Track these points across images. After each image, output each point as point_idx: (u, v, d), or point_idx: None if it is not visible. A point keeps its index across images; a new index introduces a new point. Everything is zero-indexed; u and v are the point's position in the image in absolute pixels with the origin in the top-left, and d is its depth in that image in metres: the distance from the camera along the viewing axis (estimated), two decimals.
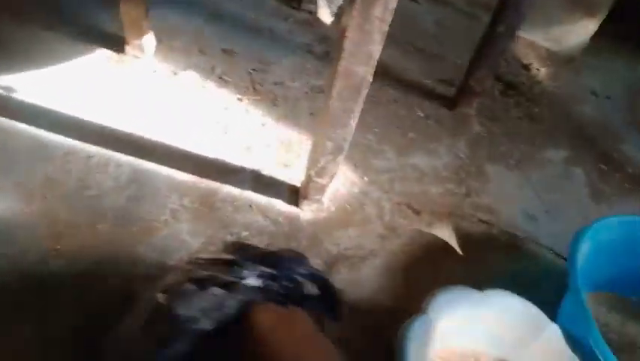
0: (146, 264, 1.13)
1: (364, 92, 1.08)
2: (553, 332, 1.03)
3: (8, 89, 1.38)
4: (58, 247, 1.11)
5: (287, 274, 0.81)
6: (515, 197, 1.56)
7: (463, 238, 1.40)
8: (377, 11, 0.90)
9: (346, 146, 1.19)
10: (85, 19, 1.64)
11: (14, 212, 1.14)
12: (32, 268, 1.06)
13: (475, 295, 1.03)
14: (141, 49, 1.61)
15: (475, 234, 1.43)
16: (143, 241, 1.17)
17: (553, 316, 1.08)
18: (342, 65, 1.02)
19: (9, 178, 1.20)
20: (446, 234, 1.40)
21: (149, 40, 1.63)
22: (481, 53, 1.68)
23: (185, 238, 1.21)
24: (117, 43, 1.59)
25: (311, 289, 0.84)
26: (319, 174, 1.26)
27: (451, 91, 1.87)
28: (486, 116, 1.84)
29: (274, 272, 0.80)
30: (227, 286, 0.76)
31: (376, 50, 0.99)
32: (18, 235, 1.10)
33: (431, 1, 2.28)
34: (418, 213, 1.44)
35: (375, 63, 1.02)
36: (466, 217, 1.46)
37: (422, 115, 1.77)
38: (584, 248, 1.09)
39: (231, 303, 0.74)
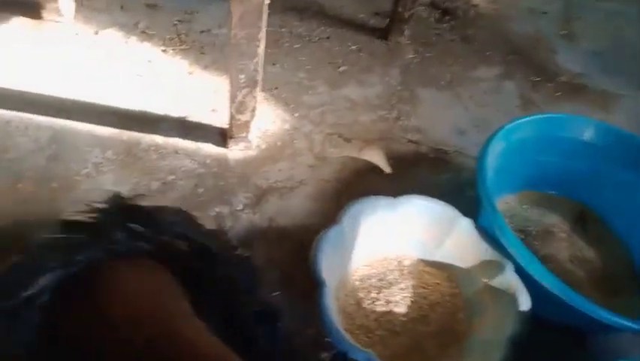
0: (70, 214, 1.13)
1: (265, 15, 1.06)
2: (465, 225, 1.05)
3: None
4: None
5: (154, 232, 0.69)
6: (445, 116, 1.57)
7: (392, 158, 1.42)
8: None
9: (259, 77, 1.19)
10: None
11: None
12: None
13: (387, 201, 1.05)
14: (59, 12, 1.57)
15: (404, 153, 1.44)
16: (65, 196, 1.17)
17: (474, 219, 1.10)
18: None
19: None
20: (376, 157, 1.41)
21: (67, 2, 1.58)
22: None
23: (110, 188, 1.21)
24: (33, 10, 1.54)
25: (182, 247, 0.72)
26: (239, 110, 1.25)
27: (384, 23, 1.85)
28: (419, 42, 1.82)
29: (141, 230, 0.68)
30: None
31: None
32: None
33: None
34: (348, 141, 1.45)
35: None
36: (395, 139, 1.47)
37: (354, 48, 1.75)
38: (497, 149, 1.11)
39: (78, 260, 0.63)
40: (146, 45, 1.58)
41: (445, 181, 1.37)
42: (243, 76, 1.17)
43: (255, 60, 1.13)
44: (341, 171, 1.37)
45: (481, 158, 1.08)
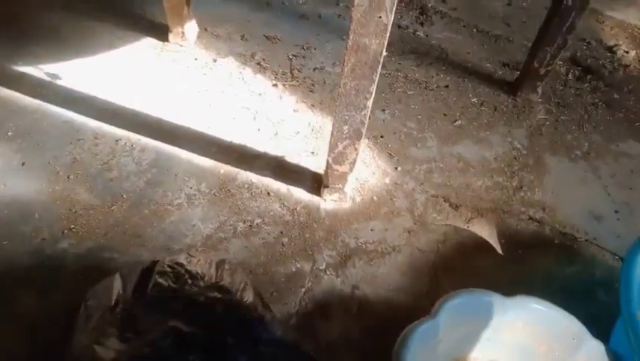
0: (152, 247, 1.11)
1: (378, 68, 0.96)
2: (593, 348, 0.83)
3: (54, 76, 1.45)
4: (73, 227, 1.13)
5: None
6: (577, 194, 1.33)
7: (506, 237, 1.22)
8: None
9: (364, 130, 1.08)
10: (134, 9, 1.68)
11: (38, 191, 1.18)
12: (43, 246, 1.09)
13: (498, 301, 0.87)
14: (183, 37, 1.62)
15: (522, 233, 1.23)
16: (154, 224, 1.16)
17: (605, 334, 0.88)
18: (353, 38, 0.92)
19: (40, 158, 1.25)
20: (487, 232, 1.22)
21: (191, 28, 1.63)
22: (546, 31, 1.46)
23: (196, 223, 1.17)
24: (162, 33, 1.61)
25: None
26: (337, 161, 1.16)
27: (513, 75, 1.66)
28: (554, 102, 1.60)
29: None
30: None
31: (388, 17, 0.88)
32: (36, 213, 1.14)
33: None
34: (456, 207, 1.28)
35: (388, 34, 0.90)
36: (513, 214, 1.27)
37: (475, 101, 1.59)
38: None
39: None
40: (259, 77, 1.56)
41: (572, 276, 1.14)
42: (346, 127, 1.07)
43: (362, 113, 1.03)
44: (442, 243, 1.20)
45: (628, 261, 0.86)
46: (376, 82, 0.97)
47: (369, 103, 1.01)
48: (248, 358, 0.74)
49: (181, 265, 0.84)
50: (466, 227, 1.23)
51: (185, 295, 0.80)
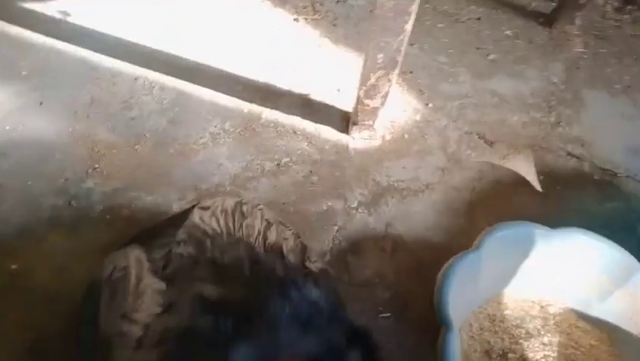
0: (180, 186, 1.08)
1: None
2: None
3: (64, 13, 1.38)
4: (97, 166, 1.10)
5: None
6: (617, 128, 1.27)
7: (544, 173, 1.17)
8: None
9: (400, 58, 1.01)
10: None
11: (57, 131, 1.14)
12: (67, 185, 1.06)
13: (542, 233, 0.83)
14: None
15: (560, 169, 1.18)
16: (179, 164, 1.12)
17: None
18: None
19: (57, 98, 1.20)
20: (524, 168, 1.17)
21: None
22: None
23: (223, 162, 1.13)
24: None
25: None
26: (369, 94, 1.10)
27: (550, 6, 1.55)
28: (592, 34, 1.50)
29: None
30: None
31: None
32: (57, 153, 1.11)
33: None
34: (491, 144, 1.22)
35: None
36: (551, 150, 1.21)
37: (510, 34, 1.49)
38: None
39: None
40: (279, 12, 1.48)
41: (611, 212, 1.10)
42: (381, 55, 1.00)
43: (399, 38, 0.96)
44: (478, 181, 1.15)
45: None
46: (417, 1, 0.89)
47: (409, 27, 0.94)
48: (281, 319, 0.70)
49: (197, 227, 0.79)
50: (502, 164, 1.18)
51: (207, 259, 0.76)
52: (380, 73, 1.03)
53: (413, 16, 0.94)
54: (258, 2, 1.49)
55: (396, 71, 1.04)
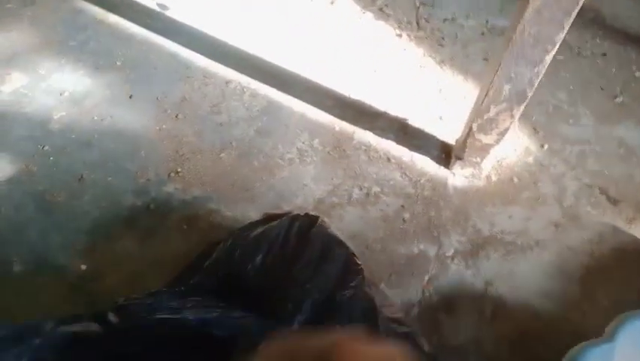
0: (260, 203, 1.00)
1: (574, 10, 0.75)
2: None
3: (162, 6, 1.35)
4: (179, 170, 1.04)
5: None
6: None
7: None
8: None
9: (531, 93, 0.88)
10: None
11: (145, 128, 1.10)
12: (148, 186, 1.01)
13: None
14: None
15: None
16: (263, 179, 1.04)
17: None
18: None
19: (148, 93, 1.16)
20: None
21: None
22: None
23: (308, 183, 1.05)
24: None
25: None
26: (484, 129, 0.96)
27: None
28: None
29: None
30: None
31: None
32: (143, 151, 1.06)
33: None
34: (615, 202, 1.05)
35: None
36: None
37: None
38: None
39: None
40: (380, 25, 1.37)
41: None
42: (509, 87, 0.87)
43: (536, 70, 0.83)
44: (597, 244, 0.99)
45: None
46: (565, 31, 0.76)
47: (549, 58, 0.80)
48: None
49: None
50: (627, 229, 1.01)
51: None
52: (503, 106, 0.90)
53: (557, 47, 0.80)
54: (359, 13, 1.39)
55: (522, 107, 0.91)
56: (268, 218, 0.80)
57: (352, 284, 0.71)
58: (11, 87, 1.14)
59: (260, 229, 0.77)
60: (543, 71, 0.83)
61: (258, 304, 0.70)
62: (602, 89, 1.27)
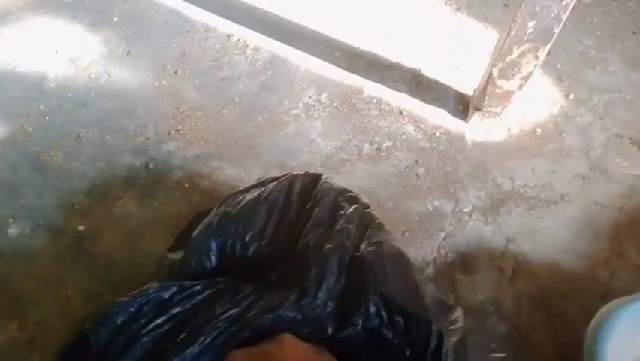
0: (265, 160, 0.95)
1: None
2: None
3: None
4: (179, 127, 0.99)
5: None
6: None
7: None
8: None
9: (557, 30, 0.80)
10: None
11: (143, 85, 1.05)
12: (147, 145, 0.96)
13: None
14: None
15: None
16: (267, 135, 0.99)
17: None
18: None
19: (146, 49, 1.10)
20: None
21: None
22: None
23: (315, 139, 0.99)
24: None
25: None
26: (505, 74, 0.89)
27: None
28: None
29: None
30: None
31: None
32: (141, 109, 1.01)
33: None
34: None
35: None
36: None
37: None
38: None
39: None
40: None
41: None
42: (533, 23, 0.79)
43: (564, 2, 0.74)
44: (628, 197, 0.92)
45: None
46: None
47: None
48: None
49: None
50: None
51: None
52: (527, 47, 0.82)
53: None
54: None
55: (548, 47, 0.82)
56: (261, 183, 0.74)
57: (375, 240, 0.66)
58: (4, 46, 1.09)
59: (255, 193, 0.71)
60: (572, 5, 0.75)
61: (266, 276, 0.66)
62: (633, 33, 1.17)
